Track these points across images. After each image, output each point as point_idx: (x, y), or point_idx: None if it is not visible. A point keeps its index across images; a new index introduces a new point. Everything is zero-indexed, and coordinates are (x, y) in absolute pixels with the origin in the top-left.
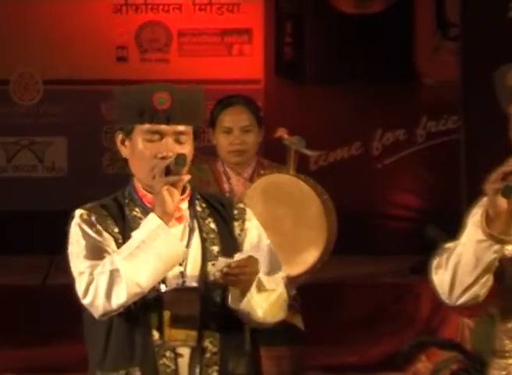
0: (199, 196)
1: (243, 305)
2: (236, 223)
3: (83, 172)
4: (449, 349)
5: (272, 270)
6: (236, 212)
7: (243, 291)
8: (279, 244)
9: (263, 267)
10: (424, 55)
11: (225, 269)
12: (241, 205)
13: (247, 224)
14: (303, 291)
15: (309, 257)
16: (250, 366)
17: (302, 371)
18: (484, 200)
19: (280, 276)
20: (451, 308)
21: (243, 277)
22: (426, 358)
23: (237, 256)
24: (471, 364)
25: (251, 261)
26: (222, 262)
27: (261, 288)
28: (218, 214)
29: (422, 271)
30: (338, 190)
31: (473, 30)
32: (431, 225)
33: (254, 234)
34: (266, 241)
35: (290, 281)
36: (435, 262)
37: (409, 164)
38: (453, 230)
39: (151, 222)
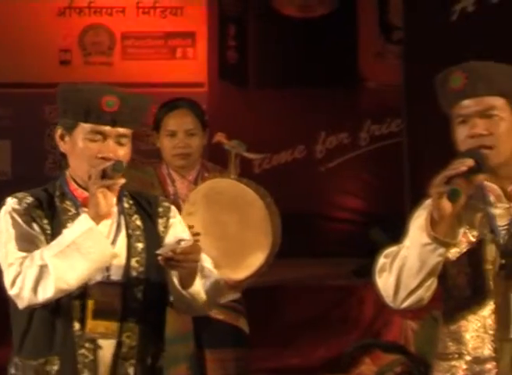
0: (127, 193)
1: (191, 290)
2: (160, 220)
3: (26, 175)
4: (393, 352)
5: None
6: (160, 209)
7: (189, 277)
8: (224, 248)
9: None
10: (367, 58)
11: (169, 254)
12: (166, 203)
13: (171, 221)
14: (248, 294)
15: (255, 260)
16: (195, 368)
17: (247, 373)
18: (427, 202)
19: (210, 266)
20: (395, 310)
21: (185, 264)
22: (370, 360)
23: (184, 243)
24: (414, 366)
25: (195, 248)
26: (168, 246)
27: (203, 274)
28: (145, 211)
29: (366, 274)
30: (282, 193)
31: (416, 34)
32: (375, 228)
33: (178, 229)
34: (190, 237)
35: (237, 285)
36: (378, 266)
37: (353, 167)
38: (397, 232)
39: (84, 223)
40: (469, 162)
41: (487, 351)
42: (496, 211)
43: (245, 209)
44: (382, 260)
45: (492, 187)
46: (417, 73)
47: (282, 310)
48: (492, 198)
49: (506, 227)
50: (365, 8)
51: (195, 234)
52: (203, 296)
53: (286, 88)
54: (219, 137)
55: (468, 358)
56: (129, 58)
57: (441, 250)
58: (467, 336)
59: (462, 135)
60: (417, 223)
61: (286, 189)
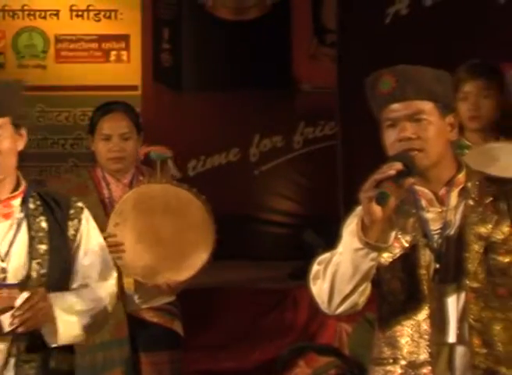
0: (34, 194)
1: (62, 339)
2: (70, 223)
3: None
4: (327, 354)
5: (103, 276)
6: (72, 211)
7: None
8: (161, 253)
9: (95, 273)
10: (301, 61)
11: (16, 314)
12: (79, 204)
13: (83, 225)
14: (182, 297)
15: (198, 260)
16: (130, 372)
17: None
18: (358, 210)
19: (110, 283)
20: None
21: (37, 315)
22: (304, 363)
23: (21, 297)
24: (348, 369)
25: (39, 294)
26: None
27: (71, 311)
28: (52, 213)
29: (301, 276)
30: (216, 196)
31: (350, 37)
32: (309, 231)
33: (92, 242)
34: (100, 245)
35: (179, 286)
36: (312, 273)
37: (286, 170)
38: (331, 235)
39: None
40: (398, 166)
41: (422, 355)
42: (429, 215)
43: (182, 211)
44: (315, 267)
45: (423, 191)
46: (351, 76)
47: (218, 313)
48: (423, 203)
49: (439, 231)
50: (299, 11)
51: (118, 245)
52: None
53: (220, 91)
54: (144, 150)
55: (403, 362)
56: (63, 61)
57: (373, 254)
58: (402, 341)
59: (391, 139)
60: (349, 230)
61: (220, 192)
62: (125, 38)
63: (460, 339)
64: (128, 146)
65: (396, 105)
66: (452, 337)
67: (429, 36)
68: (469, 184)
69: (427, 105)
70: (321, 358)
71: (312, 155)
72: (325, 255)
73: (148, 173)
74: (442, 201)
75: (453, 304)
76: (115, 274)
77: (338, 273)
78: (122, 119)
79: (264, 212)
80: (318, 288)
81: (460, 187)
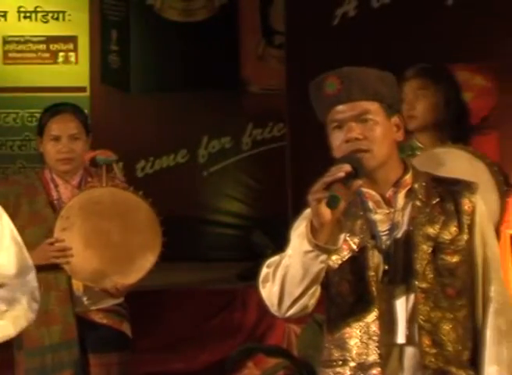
0: None
1: None
2: None
3: None
4: (276, 355)
5: (20, 272)
6: None
7: None
8: (109, 256)
9: (11, 272)
10: (249, 62)
11: None
12: None
13: None
14: (131, 298)
15: (145, 263)
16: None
17: None
18: (306, 212)
19: (29, 278)
20: None
21: None
22: (253, 364)
23: None
24: (297, 370)
25: None
26: None
27: None
28: None
29: (249, 278)
30: (165, 197)
31: (298, 38)
32: (257, 232)
33: (5, 240)
34: (16, 242)
35: (128, 289)
36: (261, 276)
37: (235, 172)
38: (280, 236)
39: None
40: (346, 168)
41: (372, 357)
42: (376, 217)
43: (129, 214)
44: (264, 270)
45: (370, 193)
46: (299, 77)
47: (167, 314)
48: (371, 204)
49: (387, 233)
50: (247, 13)
51: (66, 249)
52: None
53: (169, 92)
54: (90, 154)
55: (353, 364)
56: (11, 63)
57: (323, 257)
58: (351, 342)
59: (338, 140)
60: (298, 232)
61: (169, 193)
62: (73, 40)
63: (410, 340)
64: (77, 147)
65: (341, 107)
66: (401, 338)
67: (377, 38)
68: (416, 185)
69: (373, 106)
70: (269, 360)
71: (261, 157)
72: (274, 258)
73: (97, 175)
74: (389, 202)
75: (402, 305)
76: (33, 269)
77: (288, 276)
78: (71, 120)
79: (213, 213)
80: (268, 291)
81: (407, 188)
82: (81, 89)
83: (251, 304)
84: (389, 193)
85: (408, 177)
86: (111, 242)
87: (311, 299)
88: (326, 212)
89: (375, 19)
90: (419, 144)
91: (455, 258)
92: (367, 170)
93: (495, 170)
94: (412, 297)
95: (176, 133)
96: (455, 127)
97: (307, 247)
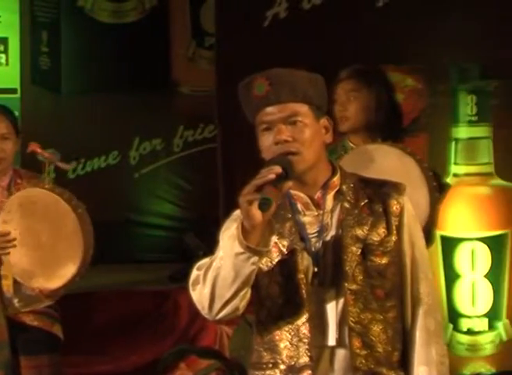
0: None
1: None
2: None
3: None
4: (208, 357)
5: None
6: None
7: None
8: (38, 257)
9: None
10: (180, 64)
11: None
12: None
13: None
14: (62, 300)
15: (67, 272)
16: None
17: None
18: (235, 214)
19: None
20: None
21: None
22: (185, 366)
23: None
24: (229, 371)
25: None
26: None
27: None
28: None
29: (181, 279)
30: (96, 199)
31: (228, 40)
32: (189, 233)
33: None
34: None
35: (52, 294)
36: (192, 279)
37: (167, 173)
38: (212, 238)
39: None
40: (277, 170)
41: (302, 359)
42: (305, 219)
43: (57, 220)
44: (194, 272)
45: (298, 195)
46: (230, 79)
47: (98, 316)
48: (299, 207)
49: (316, 235)
50: (177, 14)
51: (10, 240)
52: None
53: (100, 94)
54: (33, 146)
55: (283, 367)
56: None
57: (254, 259)
58: (281, 345)
59: (267, 142)
60: (228, 234)
61: (101, 195)
62: (3, 41)
63: (340, 342)
64: (7, 147)
65: (270, 109)
66: (332, 340)
67: (308, 39)
68: (344, 187)
69: (302, 108)
70: (202, 361)
71: (192, 158)
72: (205, 260)
73: (27, 177)
74: (318, 204)
75: (333, 307)
76: None
77: (219, 278)
78: (1, 120)
79: (145, 215)
80: (198, 294)
81: (336, 189)
82: (12, 91)
83: (183, 305)
84: (317, 195)
85: (336, 179)
86: (41, 244)
87: (241, 301)
88: (257, 214)
89: (306, 20)
90: (352, 145)
91: (384, 260)
92: (296, 173)
93: (424, 166)
94: (342, 299)
95: (107, 135)
96: (387, 129)
97: (239, 249)
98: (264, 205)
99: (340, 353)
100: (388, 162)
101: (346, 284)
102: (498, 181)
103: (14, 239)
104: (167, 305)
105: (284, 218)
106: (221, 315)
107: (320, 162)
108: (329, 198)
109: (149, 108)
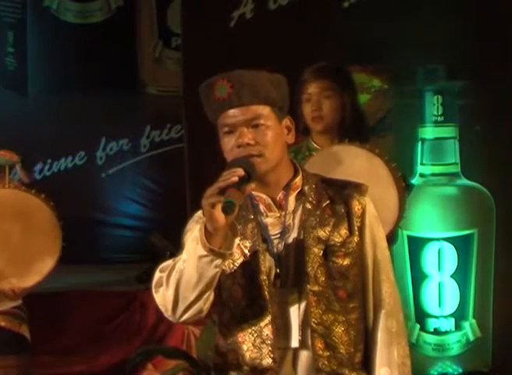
0: None
1: None
2: None
3: None
4: (175, 357)
5: None
6: None
7: None
8: (8, 258)
9: None
10: (146, 64)
11: None
12: None
13: None
14: (29, 301)
15: (44, 267)
16: None
17: None
18: (197, 215)
19: None
20: None
21: None
22: (153, 366)
23: None
24: (196, 371)
25: None
26: None
27: None
28: None
29: (148, 280)
30: (63, 199)
31: (194, 40)
32: (155, 233)
33: None
34: None
35: (24, 292)
36: (155, 281)
37: (133, 173)
38: (179, 238)
39: None
40: (239, 172)
41: (265, 361)
42: (268, 220)
43: (30, 216)
44: (157, 274)
45: (260, 196)
46: (197, 79)
47: (66, 317)
48: (261, 208)
49: (278, 236)
50: (143, 14)
51: None
52: None
53: (66, 94)
54: None
55: (246, 368)
56: None
57: (217, 261)
58: (244, 347)
59: (229, 145)
60: (191, 236)
61: (67, 195)
62: None
63: (303, 343)
64: None
65: (232, 111)
66: (295, 342)
67: (274, 39)
68: (306, 188)
69: (264, 110)
70: (169, 361)
71: (159, 158)
72: (168, 262)
73: None
74: (280, 205)
75: (295, 308)
76: None
77: (182, 281)
78: None
79: (112, 215)
80: (162, 296)
81: (298, 190)
82: None
83: (150, 306)
84: (279, 196)
85: (298, 180)
86: (10, 244)
87: (205, 304)
88: (220, 217)
89: (272, 20)
90: (315, 145)
91: (346, 261)
92: (259, 174)
93: (393, 167)
94: (304, 300)
95: (73, 135)
96: (354, 129)
97: (202, 251)
98: (227, 209)
99: (303, 354)
100: (356, 162)
101: (308, 286)
102: (464, 181)
103: None
104: (134, 305)
105: (246, 219)
106: (184, 317)
107: (282, 162)
108: (291, 199)
109: (116, 108)
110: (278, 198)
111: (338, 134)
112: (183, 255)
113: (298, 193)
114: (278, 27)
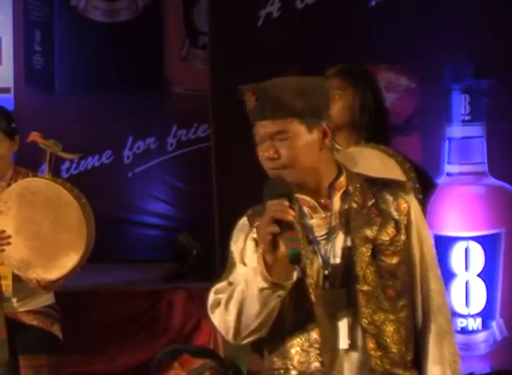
0: None
1: None
2: None
3: None
4: (202, 356)
5: None
6: None
7: None
8: (37, 247)
9: None
10: (173, 63)
11: None
12: None
13: None
14: (57, 299)
15: (68, 261)
16: None
17: None
18: (241, 223)
19: None
20: (204, 315)
21: None
22: (179, 365)
23: None
24: (223, 370)
25: None
26: None
27: None
28: None
29: (175, 279)
30: (90, 198)
31: (221, 39)
32: (182, 233)
33: None
34: None
35: (49, 285)
36: (210, 303)
37: (160, 172)
38: (206, 237)
39: None
40: (291, 212)
41: (314, 364)
42: (313, 222)
43: (60, 210)
44: (212, 296)
45: (304, 199)
46: (223, 78)
47: (93, 315)
48: (306, 210)
49: (324, 237)
50: (170, 13)
51: (5, 238)
52: None
53: (93, 93)
54: (34, 136)
55: (294, 373)
56: None
57: (279, 292)
58: (292, 351)
59: (260, 154)
60: (252, 267)
61: (94, 194)
62: None
63: (353, 344)
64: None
65: (262, 123)
66: (344, 343)
67: (301, 38)
68: (351, 188)
69: (291, 123)
70: (196, 360)
71: (185, 157)
72: (222, 285)
73: (27, 175)
74: (325, 206)
75: (344, 309)
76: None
77: (244, 310)
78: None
79: (139, 214)
80: (221, 320)
81: (342, 190)
82: (5, 90)
83: (177, 305)
84: (324, 197)
85: (342, 180)
86: (40, 234)
87: (266, 327)
88: (281, 249)
89: (299, 19)
90: (337, 146)
91: (394, 260)
92: (294, 184)
93: (407, 168)
94: (353, 300)
95: (100, 134)
96: (371, 129)
97: (263, 284)
98: (295, 260)
99: (353, 356)
100: (370, 164)
101: (357, 286)
102: (491, 180)
103: (9, 236)
104: (161, 304)
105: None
106: (246, 341)
107: (320, 166)
108: (336, 199)
109: (143, 107)
110: (322, 200)
111: (356, 133)
112: (242, 285)
113: (343, 193)
114: (305, 26)
